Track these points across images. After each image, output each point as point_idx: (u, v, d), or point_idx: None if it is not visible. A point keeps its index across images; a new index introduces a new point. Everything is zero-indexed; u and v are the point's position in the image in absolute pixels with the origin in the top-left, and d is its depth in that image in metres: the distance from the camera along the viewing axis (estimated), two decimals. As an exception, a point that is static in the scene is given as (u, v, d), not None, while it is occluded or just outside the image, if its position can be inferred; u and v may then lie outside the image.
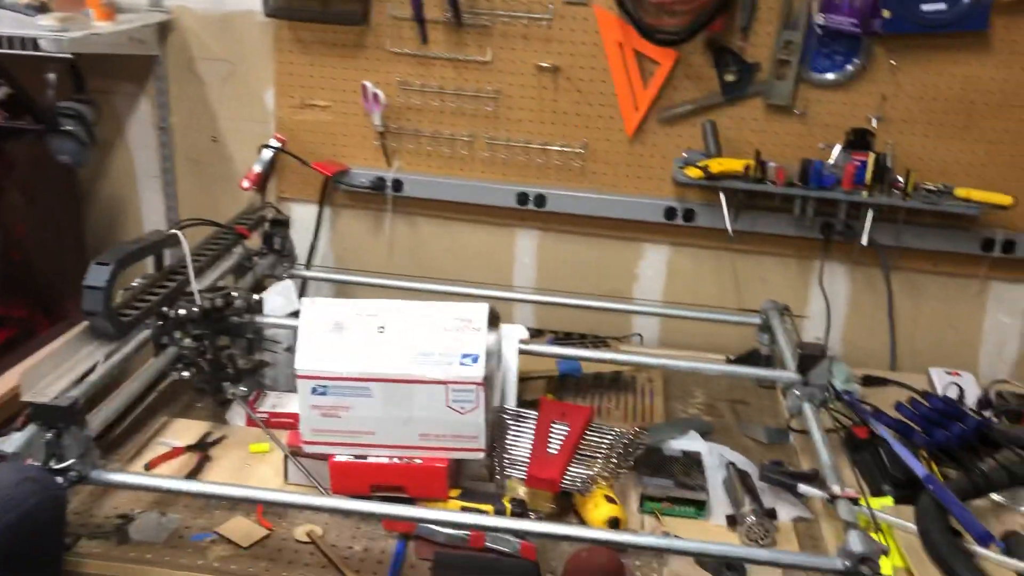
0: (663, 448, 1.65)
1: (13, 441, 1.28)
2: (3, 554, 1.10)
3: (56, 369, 1.40)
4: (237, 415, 1.72)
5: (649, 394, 1.92)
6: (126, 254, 1.49)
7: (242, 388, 1.67)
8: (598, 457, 1.53)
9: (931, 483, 1.44)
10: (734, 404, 1.91)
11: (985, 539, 1.33)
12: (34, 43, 1.75)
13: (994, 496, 1.58)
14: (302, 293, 2.14)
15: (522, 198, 2.11)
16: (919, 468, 1.50)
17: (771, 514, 1.48)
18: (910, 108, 1.96)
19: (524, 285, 2.23)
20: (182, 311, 1.60)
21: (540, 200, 2.11)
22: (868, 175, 1.90)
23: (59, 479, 1.28)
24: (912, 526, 1.43)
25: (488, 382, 1.43)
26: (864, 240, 1.96)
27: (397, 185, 2.13)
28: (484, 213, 2.16)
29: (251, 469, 1.58)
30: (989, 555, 1.36)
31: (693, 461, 1.60)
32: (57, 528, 1.24)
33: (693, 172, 1.94)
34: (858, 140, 1.94)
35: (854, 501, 1.36)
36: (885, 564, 1.40)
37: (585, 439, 1.57)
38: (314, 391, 1.42)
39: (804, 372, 1.62)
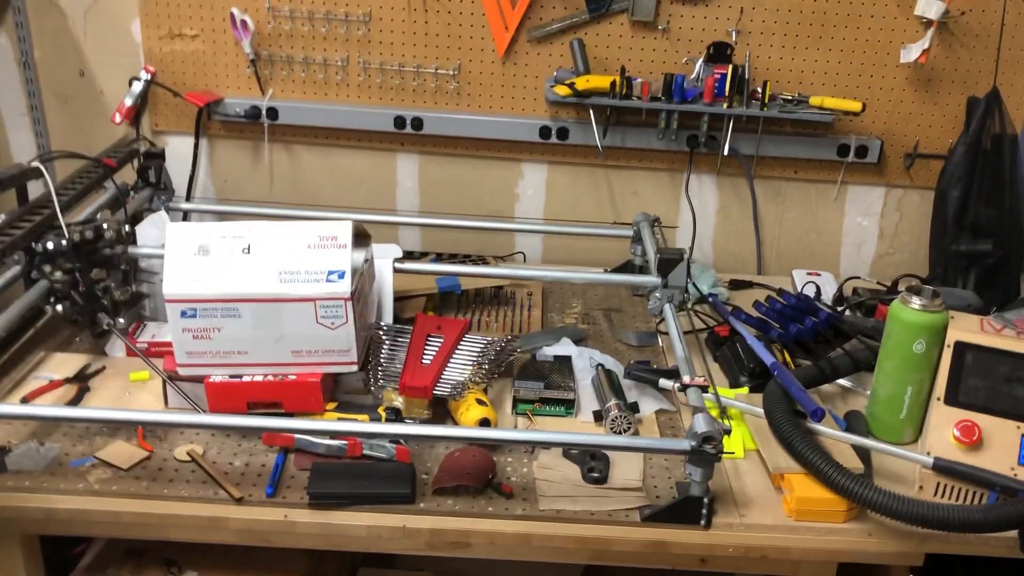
0: (536, 355, 1.72)
1: None
2: None
3: (-83, 306, 1.39)
4: (117, 347, 1.73)
5: (528, 307, 1.99)
6: (-17, 187, 1.47)
7: (120, 320, 1.67)
8: (471, 365, 1.60)
9: (776, 369, 1.55)
10: (608, 312, 1.99)
11: (818, 414, 1.45)
12: None
13: (842, 381, 1.72)
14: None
15: (399, 122, 2.13)
16: (767, 357, 1.61)
17: (634, 408, 1.58)
18: (767, 20, 2.03)
19: (408, 209, 2.26)
20: (50, 244, 1.60)
21: (417, 123, 2.13)
22: (727, 87, 1.98)
23: (-74, 412, 1.28)
24: (760, 410, 1.54)
25: (357, 298, 1.48)
26: (725, 150, 2.05)
27: (272, 113, 2.13)
28: (363, 138, 2.18)
29: (132, 397, 1.61)
30: (827, 431, 1.48)
31: (564, 365, 1.68)
32: (-74, 459, 1.26)
33: (562, 90, 1.99)
34: (718, 53, 2.02)
35: (704, 389, 1.46)
36: (736, 446, 1.53)
37: (459, 349, 1.64)
38: (184, 314, 1.45)
39: (664, 275, 1.71)
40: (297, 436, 1.45)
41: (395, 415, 1.51)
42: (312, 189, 2.23)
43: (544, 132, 2.13)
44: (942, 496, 1.41)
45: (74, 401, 1.58)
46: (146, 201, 2.01)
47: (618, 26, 2.05)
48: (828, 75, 2.08)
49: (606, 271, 2.12)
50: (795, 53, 2.06)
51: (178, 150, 2.18)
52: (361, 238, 1.56)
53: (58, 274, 1.62)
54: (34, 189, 1.74)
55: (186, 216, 2.15)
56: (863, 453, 1.48)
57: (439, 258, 2.15)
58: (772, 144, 2.12)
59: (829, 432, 1.48)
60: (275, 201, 2.22)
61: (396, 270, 1.75)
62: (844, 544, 1.39)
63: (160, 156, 2.04)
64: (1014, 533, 1.33)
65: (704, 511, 1.37)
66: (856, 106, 2.00)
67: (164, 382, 1.54)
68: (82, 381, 1.63)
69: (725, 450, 1.34)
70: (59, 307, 1.64)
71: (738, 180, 2.20)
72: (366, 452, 1.45)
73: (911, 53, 2.01)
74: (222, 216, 2.17)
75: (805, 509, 1.39)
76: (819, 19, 2.04)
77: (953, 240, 2.07)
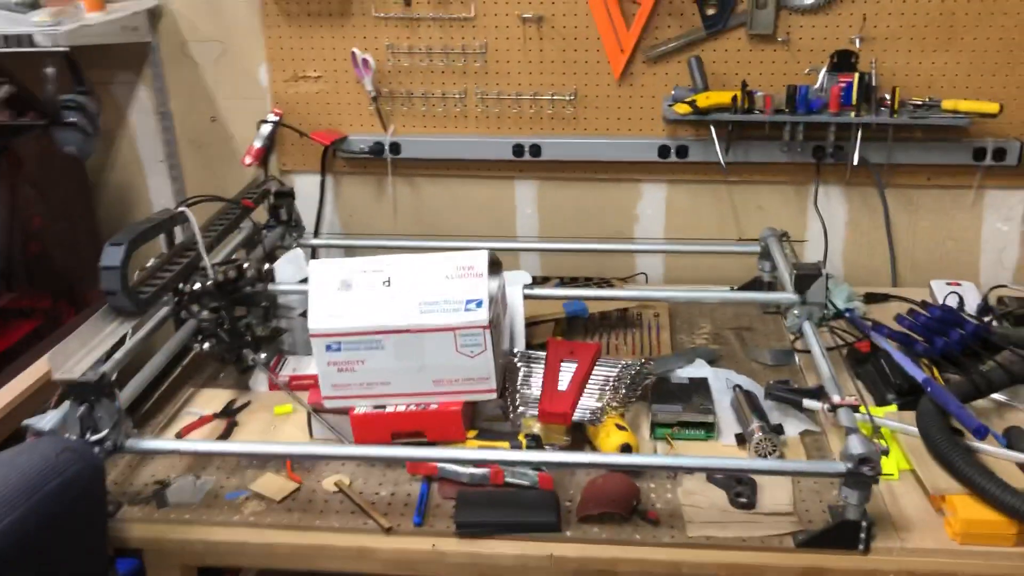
0: (670, 377, 1.70)
1: (49, 419, 1.35)
2: (49, 519, 1.17)
3: (82, 348, 1.46)
4: (260, 381, 1.79)
5: (656, 329, 1.97)
6: (138, 233, 1.54)
7: (262, 355, 1.73)
8: (607, 389, 1.59)
9: (929, 385, 1.49)
10: (739, 332, 1.95)
11: (980, 432, 1.38)
12: (29, 39, 1.80)
13: (996, 396, 1.63)
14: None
15: (518, 149, 2.15)
16: (918, 373, 1.54)
17: (778, 430, 1.54)
18: (891, 25, 1.97)
19: (527, 235, 2.27)
20: (197, 285, 1.66)
21: (535, 150, 2.14)
22: (854, 96, 1.93)
23: (95, 449, 1.35)
24: (913, 429, 1.48)
25: (494, 325, 1.49)
26: (855, 160, 1.99)
27: (395, 148, 2.18)
28: (482, 168, 2.21)
29: (277, 430, 1.65)
30: (988, 448, 1.41)
31: (700, 386, 1.65)
32: (98, 495, 1.31)
33: (682, 108, 1.98)
34: (842, 62, 1.96)
35: (854, 408, 1.41)
36: (891, 467, 1.47)
37: (594, 374, 1.63)
38: (328, 348, 1.48)
39: (801, 291, 1.67)
40: (440, 465, 1.47)
41: (535, 442, 1.50)
42: (434, 219, 2.27)
43: (663, 151, 2.12)
44: (1123, 517, 1.32)
45: (224, 435, 1.64)
46: (278, 239, 2.08)
47: (736, 41, 2.03)
48: (960, 77, 2.00)
49: (733, 289, 2.08)
50: (923, 56, 1.99)
51: (305, 188, 2.25)
52: (494, 266, 1.58)
53: (205, 313, 1.69)
54: (177, 233, 1.83)
55: (315, 252, 2.22)
56: (1029, 472, 1.40)
57: (562, 282, 2.15)
58: (903, 151, 2.04)
59: (992, 450, 1.41)
60: (399, 233, 2.26)
61: (525, 296, 1.76)
62: (1015, 569, 1.32)
63: (290, 195, 2.11)
64: None
65: (862, 535, 1.32)
66: (993, 107, 1.91)
67: (308, 415, 1.59)
68: (230, 416, 1.69)
69: (882, 471, 1.29)
70: (206, 345, 1.70)
71: (867, 190, 2.13)
72: (508, 480, 1.45)
73: (1050, 49, 1.92)
74: (349, 250, 2.23)
75: (971, 532, 1.32)
76: (948, 20, 1.96)
77: (1107, 242, 1.95)
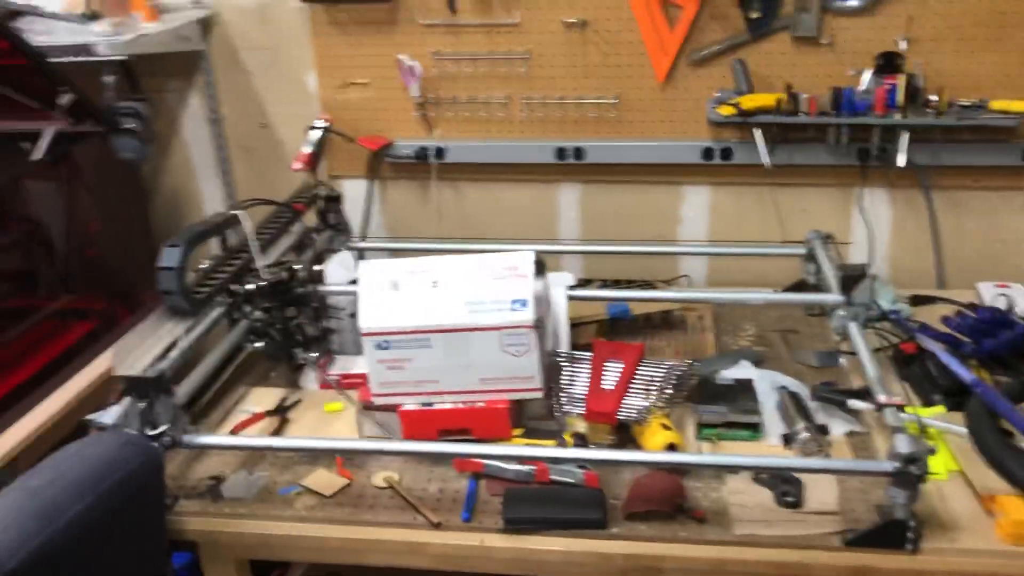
0: (715, 378, 1.71)
1: (111, 413, 1.40)
2: (113, 510, 1.22)
3: (141, 346, 1.51)
4: (310, 380, 1.83)
5: (700, 331, 1.98)
6: (194, 235, 1.59)
7: (313, 354, 1.77)
8: (652, 389, 1.60)
9: (979, 386, 1.48)
10: (784, 334, 1.95)
11: (1031, 432, 1.37)
12: (90, 49, 1.86)
13: (1046, 398, 1.62)
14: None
15: (561, 153, 2.17)
16: (966, 374, 1.53)
17: (824, 430, 1.54)
18: (937, 26, 1.96)
19: (570, 238, 2.29)
20: (250, 286, 1.71)
21: (579, 153, 2.16)
22: (900, 97, 1.92)
23: (155, 443, 1.40)
24: (962, 429, 1.47)
25: (539, 325, 1.51)
26: (901, 162, 1.98)
27: (440, 153, 2.21)
28: (525, 171, 2.23)
29: (328, 427, 1.69)
30: (1039, 450, 1.40)
31: (745, 388, 1.66)
32: (158, 487, 1.36)
33: (726, 110, 1.98)
34: (887, 64, 1.95)
35: (900, 408, 1.40)
36: (939, 467, 1.46)
37: (638, 374, 1.64)
38: (378, 347, 1.52)
39: (847, 292, 1.67)
40: (487, 462, 1.49)
41: (581, 440, 1.52)
42: (478, 223, 2.30)
43: (707, 153, 2.12)
44: None
45: (277, 432, 1.67)
46: (327, 242, 2.12)
47: (780, 44, 2.03)
48: (1009, 77, 1.98)
49: (777, 291, 2.07)
50: (971, 57, 1.98)
51: (352, 192, 2.30)
52: (539, 267, 1.60)
53: (257, 313, 1.73)
54: (229, 235, 1.88)
55: (362, 254, 2.25)
56: (1081, 473, 1.38)
57: (605, 284, 2.17)
58: (948, 153, 2.03)
59: (1042, 451, 1.40)
60: (443, 236, 2.29)
61: (569, 297, 1.78)
62: (1067, 570, 1.31)
63: (338, 199, 2.15)
64: None
65: (910, 535, 1.32)
66: (1043, 107, 1.90)
67: (358, 412, 1.62)
68: (282, 413, 1.73)
69: (930, 471, 1.29)
70: (258, 344, 1.75)
71: (912, 192, 2.12)
72: (554, 477, 1.47)
73: (1101, 48, 1.90)
74: (395, 253, 2.26)
75: (1022, 533, 1.31)
76: (996, 20, 1.95)
77: None
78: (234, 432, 1.66)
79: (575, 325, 1.89)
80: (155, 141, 2.12)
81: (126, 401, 1.42)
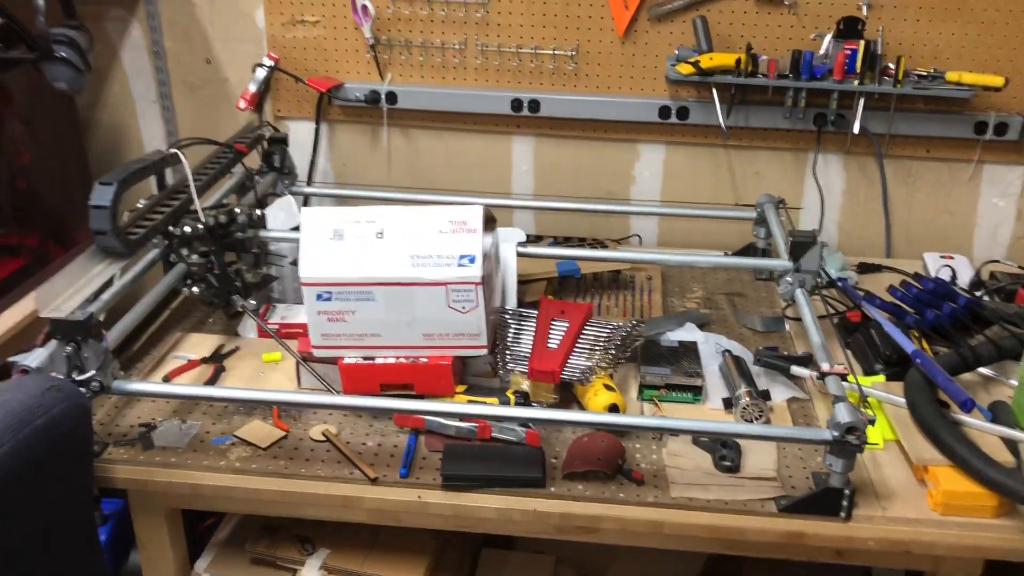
0: (660, 340, 1.70)
1: (35, 356, 1.34)
2: (34, 457, 1.17)
3: (70, 287, 1.45)
4: (248, 328, 1.78)
5: (648, 291, 1.96)
6: (128, 173, 1.52)
7: (251, 301, 1.72)
8: (597, 349, 1.59)
9: (918, 357, 1.49)
10: (731, 297, 1.95)
11: (967, 405, 1.38)
12: (20, -30, 1.75)
13: (983, 370, 1.64)
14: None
15: (516, 104, 2.12)
16: (908, 344, 1.54)
17: (765, 395, 1.54)
18: (900, -8, 1.95)
19: (522, 192, 2.25)
20: (187, 228, 1.65)
21: (534, 105, 2.12)
22: (858, 63, 1.90)
23: (82, 389, 1.34)
24: (900, 399, 1.48)
25: (486, 282, 1.48)
26: (856, 129, 1.97)
27: (391, 98, 2.14)
28: (479, 121, 2.18)
29: (265, 377, 1.65)
30: (973, 422, 1.42)
31: (689, 350, 1.65)
32: (84, 434, 1.31)
33: (684, 68, 1.95)
34: (849, 29, 1.93)
35: (843, 377, 1.41)
36: (876, 436, 1.47)
37: (584, 334, 1.63)
38: (319, 297, 1.47)
39: (796, 259, 1.66)
40: (428, 418, 1.47)
41: (524, 399, 1.51)
42: (429, 172, 2.25)
43: (664, 112, 2.09)
44: (1101, 492, 1.33)
45: (211, 381, 1.63)
46: (270, 186, 2.05)
47: (742, 2, 1.99)
48: (966, 49, 1.98)
49: (727, 254, 2.07)
50: (931, 27, 1.97)
51: (298, 135, 2.22)
52: (489, 222, 1.56)
53: (195, 257, 1.67)
54: (168, 174, 1.80)
55: (307, 200, 2.20)
56: (1012, 445, 1.41)
57: (556, 241, 2.14)
58: (904, 122, 2.03)
59: (976, 423, 1.42)
60: (393, 185, 2.24)
61: (519, 254, 1.75)
62: (994, 541, 1.33)
63: (284, 141, 2.08)
64: None
65: (844, 503, 1.33)
66: (998, 81, 1.90)
67: (297, 363, 1.58)
68: (218, 361, 1.68)
69: (868, 441, 1.30)
70: (195, 289, 1.69)
71: (866, 160, 2.12)
72: (495, 435, 1.46)
73: (1059, 23, 1.90)
74: (342, 200, 2.21)
75: (952, 503, 1.33)
76: (957, -11, 1.94)
77: (1102, 222, 1.95)
78: (167, 379, 1.62)
79: (523, 282, 1.86)
80: (92, 72, 2.02)
81: (52, 344, 1.36)
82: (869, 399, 1.52)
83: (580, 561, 1.89)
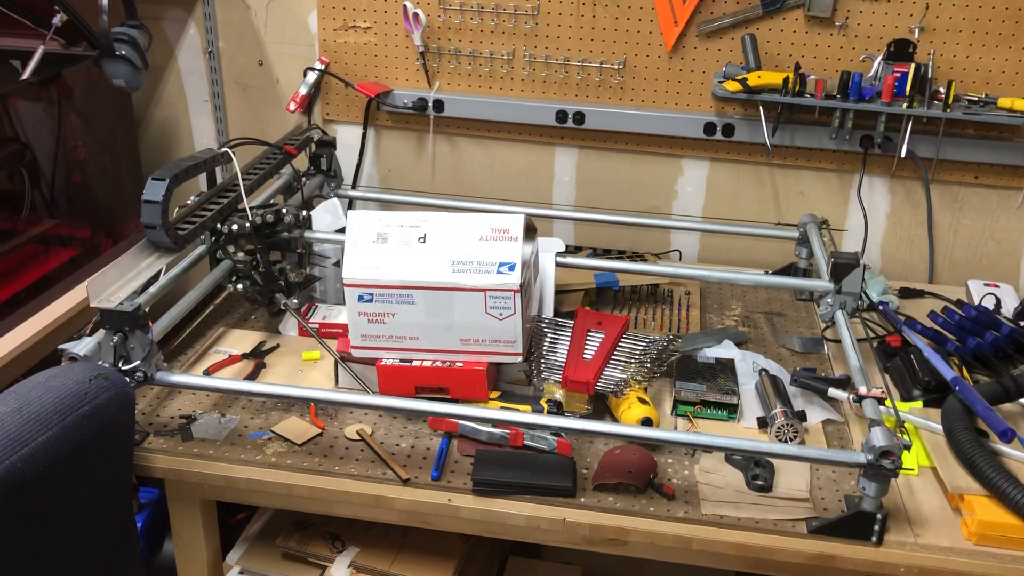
0: (697, 356, 1.70)
1: (84, 344, 1.38)
2: (79, 442, 1.20)
3: (120, 279, 1.48)
4: (290, 327, 1.81)
5: (686, 307, 1.96)
6: (181, 170, 1.56)
7: (294, 300, 1.75)
8: (632, 362, 1.59)
9: (958, 384, 1.47)
10: (770, 316, 1.94)
11: (1007, 435, 1.37)
12: (86, -31, 1.80)
13: (1024, 401, 1.62)
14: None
15: (561, 116, 2.13)
16: (947, 371, 1.53)
17: (801, 416, 1.53)
18: (954, 17, 1.93)
19: (563, 203, 2.26)
20: (235, 226, 1.68)
21: (579, 117, 2.13)
22: (908, 86, 1.89)
23: (127, 378, 1.38)
24: (938, 426, 1.47)
25: (524, 290, 1.49)
26: (903, 152, 1.96)
27: (438, 105, 2.17)
28: (524, 132, 2.19)
29: (304, 375, 1.68)
30: (1013, 452, 1.40)
31: (726, 367, 1.65)
32: (127, 422, 1.34)
33: (731, 86, 1.95)
34: (899, 51, 1.92)
35: (879, 401, 1.40)
36: (911, 462, 1.46)
37: (620, 346, 1.63)
38: (360, 299, 1.50)
39: (837, 280, 1.65)
40: (461, 422, 1.48)
41: (557, 408, 1.51)
42: (472, 180, 2.27)
43: (709, 128, 2.09)
44: None
45: (252, 376, 1.66)
46: (317, 188, 2.09)
47: (792, 21, 1.99)
48: (1019, 75, 1.95)
49: (768, 273, 2.06)
50: (983, 52, 1.95)
51: (346, 139, 2.26)
52: (530, 231, 1.57)
53: (240, 254, 1.71)
54: (218, 173, 1.84)
55: (352, 204, 2.23)
56: (1052, 479, 1.39)
57: (595, 253, 2.15)
58: (952, 147, 2.01)
59: (1015, 454, 1.40)
60: (436, 192, 2.27)
61: (558, 264, 1.76)
62: (1028, 574, 1.31)
63: (332, 144, 2.11)
64: None
65: (876, 527, 1.32)
66: (1050, 108, 1.87)
67: (336, 362, 1.60)
68: (258, 357, 1.71)
69: (903, 466, 1.29)
70: (239, 286, 1.72)
71: (911, 183, 2.10)
72: (527, 443, 1.47)
73: (1116, 52, 1.87)
74: (386, 204, 2.24)
75: (987, 534, 1.32)
76: (1011, 15, 1.91)
77: None
78: (209, 373, 1.65)
79: (561, 292, 1.87)
80: (149, 70, 2.07)
81: (100, 333, 1.40)
82: (906, 424, 1.51)
83: (607, 573, 1.89)
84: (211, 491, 1.53)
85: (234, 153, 1.77)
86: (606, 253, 2.17)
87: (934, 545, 1.33)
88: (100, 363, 1.38)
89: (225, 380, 1.55)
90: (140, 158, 2.37)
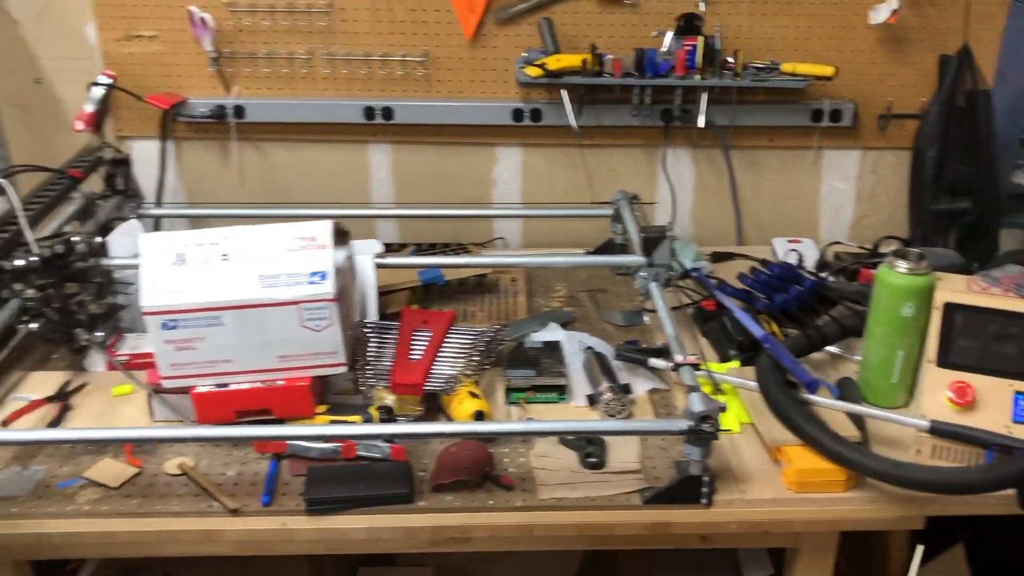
0: (524, 342, 1.71)
1: None
2: None
3: None
4: (97, 362, 1.69)
5: (513, 294, 1.97)
6: (-54, 208, 1.43)
7: (98, 333, 1.63)
8: (461, 357, 1.58)
9: (767, 341, 1.55)
10: (594, 293, 1.98)
11: (812, 386, 1.45)
12: None
13: (830, 348, 1.71)
14: (157, 232, 2.09)
15: (369, 112, 2.09)
16: (757, 330, 1.60)
17: (627, 389, 1.57)
18: (735, -11, 2.02)
19: (383, 201, 2.23)
20: (19, 261, 1.55)
21: (387, 113, 2.09)
22: (699, 59, 1.96)
23: (-96, 444, 1.25)
24: (753, 383, 1.53)
25: (341, 297, 1.45)
26: (701, 122, 2.03)
27: (239, 111, 2.08)
28: (333, 131, 2.14)
29: (116, 412, 1.57)
30: (821, 400, 1.48)
31: (553, 350, 1.67)
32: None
33: (533, 71, 1.96)
34: (688, 25, 1.99)
35: (695, 367, 1.45)
36: (732, 421, 1.52)
37: (447, 342, 1.62)
38: (165, 326, 1.41)
39: (648, 254, 1.70)
40: (289, 442, 1.43)
41: (387, 414, 1.48)
42: (284, 186, 2.19)
43: (517, 115, 2.10)
44: (938, 459, 1.41)
45: (56, 421, 1.54)
46: (115, 209, 1.95)
47: (586, 2, 2.02)
48: (798, 40, 2.06)
49: (587, 252, 2.10)
50: (764, 20, 2.04)
51: (144, 155, 2.13)
52: (341, 236, 1.53)
53: (30, 292, 1.58)
54: (-2, 205, 1.70)
55: (158, 222, 2.10)
56: (858, 420, 1.48)
57: (419, 249, 2.12)
58: (746, 114, 2.10)
59: (823, 401, 1.48)
60: (247, 201, 2.18)
61: (377, 265, 1.73)
62: (845, 513, 1.39)
63: (126, 162, 1.98)
64: (1012, 491, 1.34)
65: (704, 490, 1.36)
66: (828, 70, 1.99)
67: (148, 395, 1.51)
68: (63, 399, 1.59)
69: (721, 427, 1.34)
70: (33, 325, 1.59)
71: (714, 152, 2.19)
72: (360, 453, 1.43)
73: (880, 14, 2.00)
74: (194, 220, 2.13)
75: (805, 481, 1.39)
76: (787, -17, 2.02)
77: (932, 199, 2.07)
78: (5, 424, 1.52)
79: (386, 292, 1.84)
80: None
81: None
82: (724, 385, 1.57)
83: (460, 569, 1.88)
84: (21, 551, 1.41)
85: (12, 182, 1.64)
86: (431, 247, 2.15)
87: (759, 499, 1.39)
88: None
89: (21, 431, 1.43)
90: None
